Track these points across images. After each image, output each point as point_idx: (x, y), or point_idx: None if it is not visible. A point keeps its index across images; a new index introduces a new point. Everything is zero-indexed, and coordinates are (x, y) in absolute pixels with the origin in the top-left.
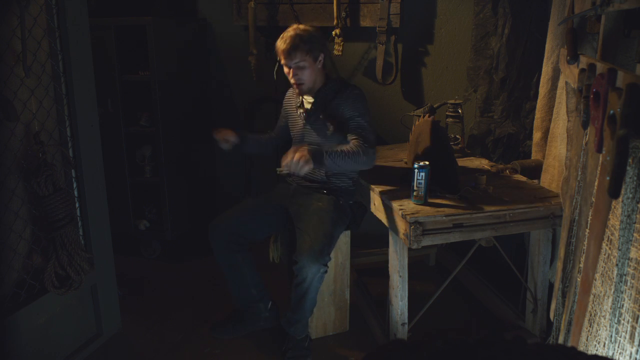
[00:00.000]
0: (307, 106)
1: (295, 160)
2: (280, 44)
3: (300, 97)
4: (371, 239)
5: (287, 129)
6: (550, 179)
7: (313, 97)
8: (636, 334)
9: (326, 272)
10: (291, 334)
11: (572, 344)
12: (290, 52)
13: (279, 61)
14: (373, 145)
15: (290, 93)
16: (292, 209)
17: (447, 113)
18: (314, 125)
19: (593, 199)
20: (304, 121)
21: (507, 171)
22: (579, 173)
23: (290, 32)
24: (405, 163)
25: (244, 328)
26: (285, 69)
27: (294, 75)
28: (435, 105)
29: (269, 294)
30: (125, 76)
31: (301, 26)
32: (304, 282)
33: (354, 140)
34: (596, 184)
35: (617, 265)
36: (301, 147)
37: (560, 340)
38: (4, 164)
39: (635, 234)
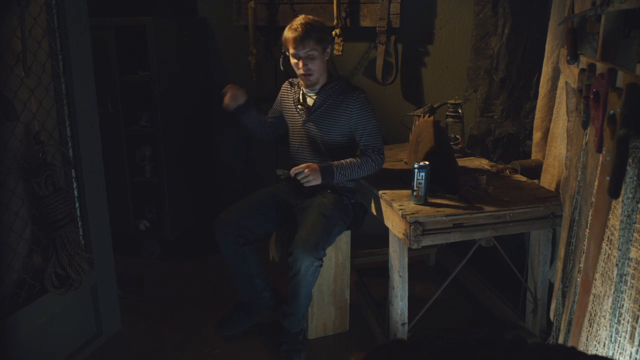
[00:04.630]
0: (310, 102)
1: (305, 173)
2: (290, 32)
3: (300, 93)
4: (371, 239)
5: (281, 122)
6: (550, 179)
7: (316, 93)
8: (636, 334)
9: (321, 266)
10: (285, 326)
11: (572, 344)
12: (302, 40)
13: (284, 52)
14: (382, 150)
15: (287, 87)
16: (297, 207)
17: (447, 113)
18: (316, 122)
19: (593, 199)
20: (305, 117)
21: (507, 171)
22: (579, 173)
23: (300, 20)
24: (405, 163)
25: (250, 319)
26: (293, 60)
27: (303, 66)
28: (435, 105)
29: (271, 282)
30: (125, 76)
31: (310, 16)
32: (298, 275)
33: (364, 151)
34: (596, 184)
35: (617, 265)
36: (313, 165)
37: (560, 340)
38: (4, 164)
39: (635, 234)
